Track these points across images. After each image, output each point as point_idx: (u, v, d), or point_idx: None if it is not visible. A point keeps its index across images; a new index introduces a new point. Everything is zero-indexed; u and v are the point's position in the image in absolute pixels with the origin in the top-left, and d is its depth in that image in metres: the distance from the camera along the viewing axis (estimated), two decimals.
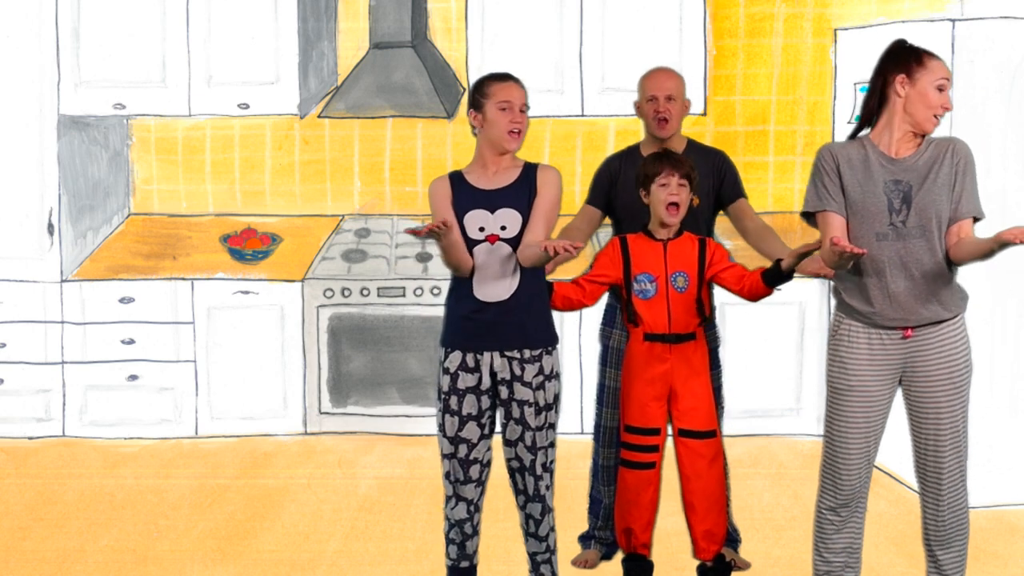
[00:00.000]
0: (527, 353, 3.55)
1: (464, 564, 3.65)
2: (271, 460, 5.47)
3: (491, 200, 3.54)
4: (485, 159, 3.59)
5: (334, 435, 5.73)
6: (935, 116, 3.38)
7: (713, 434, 3.81)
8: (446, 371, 3.58)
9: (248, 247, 5.96)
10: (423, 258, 5.88)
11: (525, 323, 3.56)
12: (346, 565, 4.23)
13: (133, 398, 5.76)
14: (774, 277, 3.69)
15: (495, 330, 3.54)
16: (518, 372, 3.54)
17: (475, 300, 3.54)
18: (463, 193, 3.58)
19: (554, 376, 3.59)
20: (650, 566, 3.91)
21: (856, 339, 3.44)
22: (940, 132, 3.60)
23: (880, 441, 3.50)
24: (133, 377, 5.76)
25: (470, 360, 3.55)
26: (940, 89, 3.38)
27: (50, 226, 5.73)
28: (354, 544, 4.43)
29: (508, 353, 3.54)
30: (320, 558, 4.29)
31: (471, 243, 3.54)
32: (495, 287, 3.54)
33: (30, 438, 5.69)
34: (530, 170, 3.60)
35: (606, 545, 4.20)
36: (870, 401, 3.44)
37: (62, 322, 5.74)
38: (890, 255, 3.36)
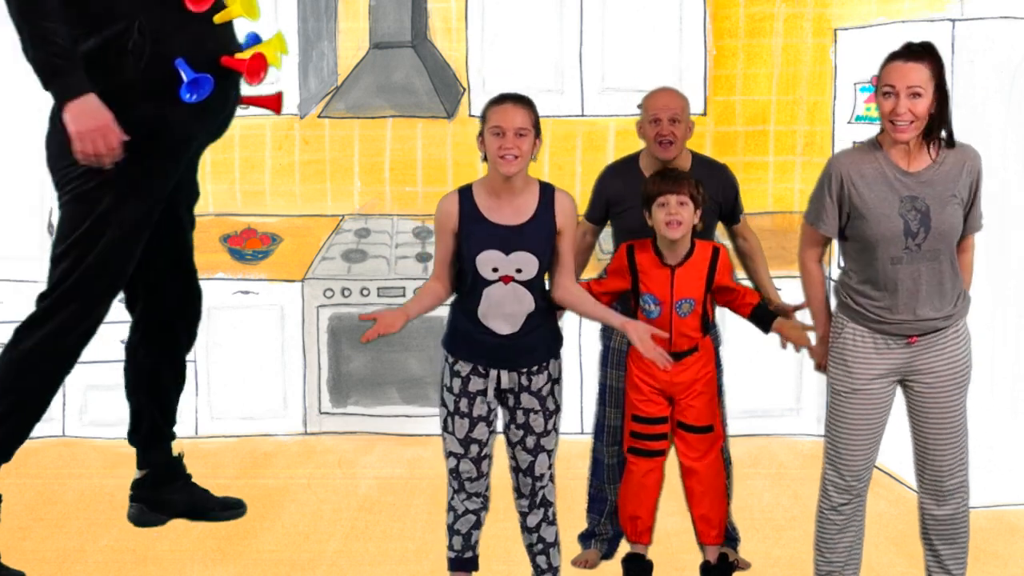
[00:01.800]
0: (535, 367, 3.55)
1: (468, 555, 3.67)
2: (271, 460, 5.46)
3: (506, 241, 3.44)
4: (494, 184, 3.47)
5: (334, 435, 5.73)
6: (891, 123, 3.28)
7: (711, 428, 3.87)
8: (456, 374, 3.55)
9: (248, 247, 5.95)
10: (423, 258, 5.88)
11: (534, 345, 3.55)
12: (346, 565, 4.23)
13: None
14: (760, 321, 3.81)
15: (502, 352, 3.52)
16: (525, 383, 3.54)
17: (485, 328, 3.51)
18: (475, 226, 3.46)
19: (559, 379, 3.61)
20: (649, 566, 3.92)
21: (860, 342, 3.43)
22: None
23: (881, 441, 3.51)
24: None
25: (481, 368, 3.55)
26: (885, 95, 3.28)
27: (50, 226, 5.73)
28: (354, 544, 4.43)
29: (518, 369, 3.55)
30: (320, 558, 4.28)
31: (484, 282, 3.46)
32: (505, 323, 3.49)
33: (30, 438, 5.67)
34: (547, 198, 3.49)
35: (606, 543, 4.20)
36: (872, 403, 3.44)
37: None
38: (903, 277, 3.33)
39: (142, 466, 4.62)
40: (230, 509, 4.60)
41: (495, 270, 3.45)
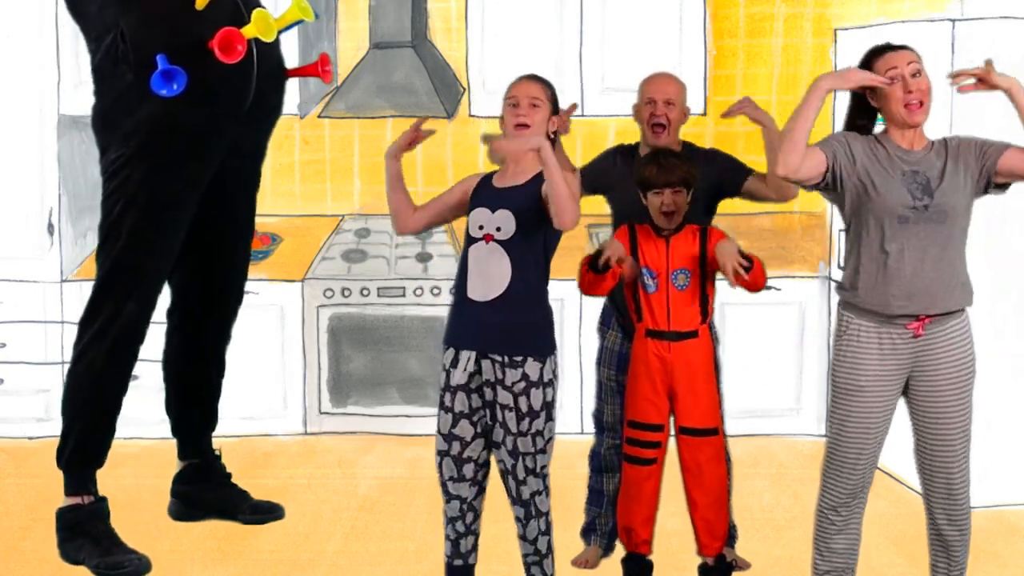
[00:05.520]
0: (506, 358, 3.51)
1: (458, 563, 3.66)
2: (271, 460, 5.47)
3: (495, 199, 3.54)
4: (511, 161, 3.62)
5: (334, 435, 5.73)
6: (906, 106, 3.33)
7: (715, 432, 3.82)
8: (443, 367, 3.60)
9: None
10: (423, 258, 5.88)
11: (508, 326, 3.52)
12: (346, 565, 4.23)
13: (133, 398, 5.72)
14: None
15: (477, 329, 3.53)
16: (500, 375, 3.51)
17: (466, 297, 3.56)
18: (480, 190, 3.62)
19: (543, 384, 3.53)
20: (649, 566, 3.92)
21: (866, 338, 3.41)
22: (940, 132, 3.60)
23: (884, 441, 3.50)
24: (133, 377, 5.73)
25: (460, 356, 3.56)
26: (894, 79, 3.33)
27: (50, 226, 5.73)
28: (354, 544, 4.43)
29: (491, 355, 3.52)
30: (320, 558, 4.29)
31: (470, 240, 3.56)
32: (484, 286, 3.52)
33: (30, 438, 5.68)
34: None
35: (606, 536, 4.18)
36: (878, 401, 3.42)
37: (62, 322, 5.74)
38: (908, 238, 3.33)
39: (180, 457, 4.70)
40: (260, 513, 4.59)
41: (480, 227, 3.54)
